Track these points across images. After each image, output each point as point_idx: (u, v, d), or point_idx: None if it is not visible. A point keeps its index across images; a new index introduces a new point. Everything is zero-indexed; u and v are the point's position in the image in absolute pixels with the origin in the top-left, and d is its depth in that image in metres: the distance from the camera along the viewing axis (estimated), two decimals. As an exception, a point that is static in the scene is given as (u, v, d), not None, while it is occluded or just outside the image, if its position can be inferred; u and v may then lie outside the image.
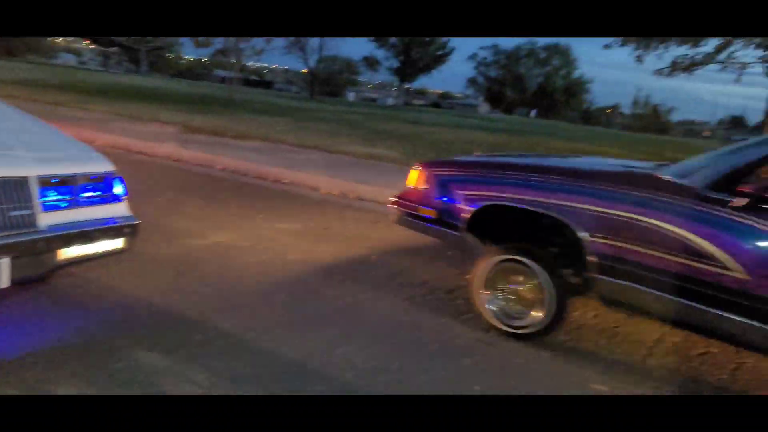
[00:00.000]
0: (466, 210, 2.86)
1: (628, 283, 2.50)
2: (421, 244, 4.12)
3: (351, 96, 47.36)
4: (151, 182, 5.74)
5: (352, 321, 2.98)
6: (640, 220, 2.42)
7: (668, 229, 2.36)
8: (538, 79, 55.17)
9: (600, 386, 2.53)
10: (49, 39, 45.46)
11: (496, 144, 12.88)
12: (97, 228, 2.52)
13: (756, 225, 2.21)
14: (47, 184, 2.37)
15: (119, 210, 2.68)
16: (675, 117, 58.20)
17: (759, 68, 15.43)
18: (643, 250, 2.43)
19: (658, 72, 16.65)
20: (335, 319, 2.98)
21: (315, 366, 2.48)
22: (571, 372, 2.65)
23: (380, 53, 39.23)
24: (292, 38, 31.30)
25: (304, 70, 37.19)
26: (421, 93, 65.43)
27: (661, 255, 2.39)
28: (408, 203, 3.17)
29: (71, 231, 2.40)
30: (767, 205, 2.22)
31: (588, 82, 56.15)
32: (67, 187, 2.46)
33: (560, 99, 54.55)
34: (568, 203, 2.57)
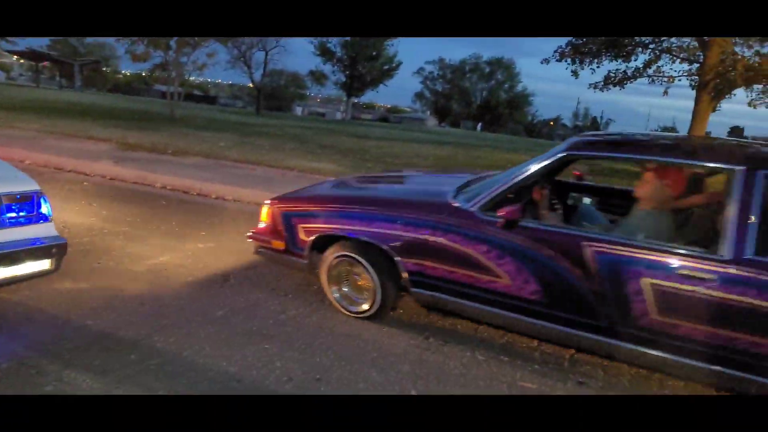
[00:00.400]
0: (306, 240, 3.31)
1: (432, 292, 3.01)
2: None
3: (298, 110, 47.12)
4: (83, 202, 5.56)
5: (292, 334, 3.03)
6: (435, 242, 2.91)
7: (456, 248, 2.86)
8: (482, 93, 56.87)
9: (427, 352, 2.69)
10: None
11: (443, 157, 13.21)
12: (22, 249, 2.46)
13: (513, 241, 2.73)
14: (-33, 205, 2.30)
15: (46, 230, 2.63)
16: (612, 128, 61.54)
17: (686, 81, 16.61)
18: (439, 266, 2.93)
19: (593, 86, 17.64)
20: (274, 333, 3.02)
21: (252, 379, 2.51)
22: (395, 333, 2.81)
23: (327, 67, 39.28)
24: (235, 52, 30.98)
25: (250, 84, 36.73)
26: (369, 107, 66.02)
27: (453, 269, 2.90)
28: (261, 237, 3.53)
29: (-5, 253, 2.34)
30: (521, 224, 2.73)
31: (531, 95, 58.33)
32: (-10, 208, 2.40)
33: (504, 112, 56.40)
34: (381, 230, 3.06)
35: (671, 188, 2.77)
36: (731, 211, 2.35)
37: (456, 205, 2.95)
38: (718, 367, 2.40)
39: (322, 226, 3.23)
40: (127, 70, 54.65)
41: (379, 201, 3.25)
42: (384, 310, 3.16)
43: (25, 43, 37.04)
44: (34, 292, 3.07)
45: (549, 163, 2.79)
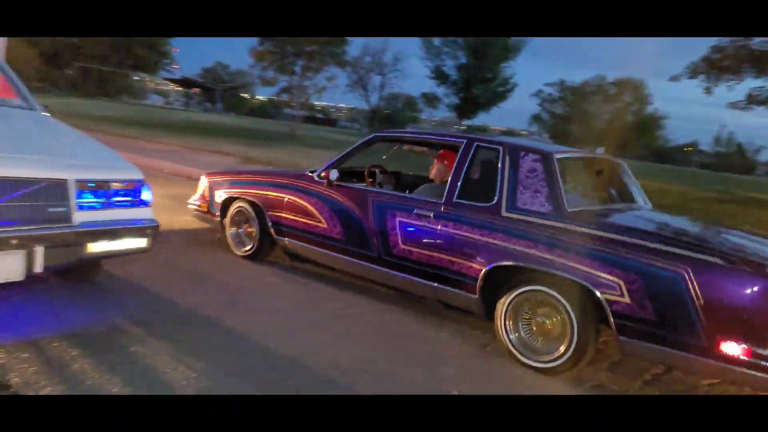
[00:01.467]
0: (217, 203, 4.46)
1: (285, 238, 4.02)
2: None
3: (411, 132, 48.02)
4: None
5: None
6: (288, 199, 3.98)
7: (299, 202, 3.91)
8: (606, 115, 53.71)
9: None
10: (138, 80, 49.84)
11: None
12: (123, 227, 2.86)
13: (329, 195, 3.77)
14: (84, 187, 2.73)
15: (145, 213, 3.02)
16: (764, 156, 54.31)
17: None
18: (290, 217, 3.95)
19: (732, 105, 15.87)
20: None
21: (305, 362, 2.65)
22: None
23: (441, 90, 39.66)
24: (354, 76, 32.63)
25: (367, 108, 38.40)
26: (482, 130, 65.46)
27: (297, 218, 3.91)
28: (195, 202, 4.70)
29: (100, 228, 2.75)
30: (335, 183, 3.76)
31: (663, 118, 53.83)
32: (101, 190, 2.83)
33: (631, 135, 52.64)
34: (256, 191, 4.19)
35: (448, 167, 3.57)
36: (455, 169, 3.33)
37: (308, 173, 4.01)
38: (434, 283, 3.23)
39: (226, 191, 4.40)
40: (262, 95, 60.10)
41: (260, 173, 4.66)
42: (261, 252, 4.19)
43: (180, 72, 42.28)
44: (138, 268, 3.54)
45: (362, 142, 3.98)
